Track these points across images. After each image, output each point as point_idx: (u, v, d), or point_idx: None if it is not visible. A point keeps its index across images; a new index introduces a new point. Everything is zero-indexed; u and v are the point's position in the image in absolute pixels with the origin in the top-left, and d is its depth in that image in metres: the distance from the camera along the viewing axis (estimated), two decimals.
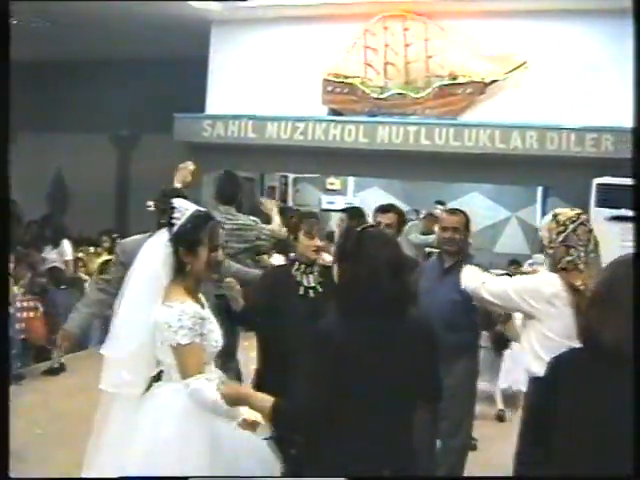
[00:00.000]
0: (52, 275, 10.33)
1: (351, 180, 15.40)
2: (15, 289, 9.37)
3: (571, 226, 4.34)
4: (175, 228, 3.67)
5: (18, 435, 6.33)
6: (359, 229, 3.28)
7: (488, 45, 10.84)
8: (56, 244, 11.15)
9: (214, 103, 12.23)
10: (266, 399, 3.21)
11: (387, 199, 12.59)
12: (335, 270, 3.26)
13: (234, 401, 3.35)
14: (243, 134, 11.81)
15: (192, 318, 3.55)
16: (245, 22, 11.88)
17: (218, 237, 3.81)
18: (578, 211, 4.48)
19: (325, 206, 15.32)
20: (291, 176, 15.76)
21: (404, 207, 13.10)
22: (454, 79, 10.98)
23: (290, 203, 16.07)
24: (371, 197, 14.69)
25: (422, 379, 3.18)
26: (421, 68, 11.17)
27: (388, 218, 6.19)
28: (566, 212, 4.46)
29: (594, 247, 4.36)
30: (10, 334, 8.79)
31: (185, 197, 4.18)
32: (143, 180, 13.14)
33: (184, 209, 3.72)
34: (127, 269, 4.09)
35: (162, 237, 3.70)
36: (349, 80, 11.45)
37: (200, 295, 3.85)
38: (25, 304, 9.87)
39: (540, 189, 14.05)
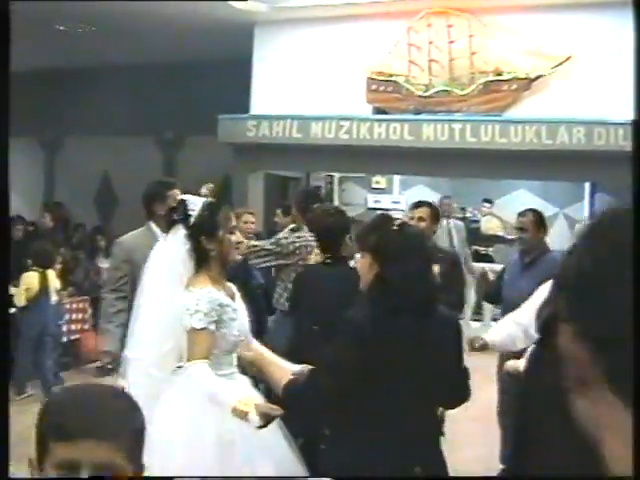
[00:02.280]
0: None
1: (397, 178, 15.33)
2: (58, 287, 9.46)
3: None
4: (193, 219, 3.75)
5: None
6: (396, 227, 3.28)
7: (533, 40, 10.73)
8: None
9: (258, 104, 12.25)
10: (281, 375, 3.28)
11: (434, 197, 12.56)
12: (366, 266, 3.24)
13: (253, 361, 3.41)
14: (288, 134, 11.81)
15: (209, 303, 3.62)
16: (288, 22, 11.89)
17: (232, 219, 3.91)
18: None
19: (371, 205, 15.26)
20: (337, 175, 15.72)
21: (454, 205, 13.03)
22: (499, 75, 10.88)
23: (336, 202, 16.04)
24: (417, 195, 14.63)
25: (450, 378, 3.22)
26: (465, 65, 11.10)
27: (421, 212, 6.27)
28: None
29: None
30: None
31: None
32: (189, 182, 13.22)
33: (193, 201, 3.85)
34: (131, 266, 4.62)
35: (178, 233, 3.78)
36: (393, 78, 11.40)
37: (229, 284, 3.93)
38: (74, 305, 9.99)
39: (588, 185, 13.88)
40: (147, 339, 3.72)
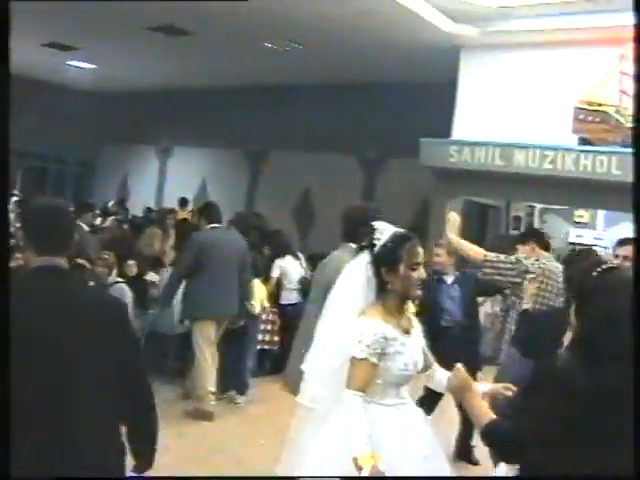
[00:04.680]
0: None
1: (601, 213, 14.79)
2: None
3: None
4: (376, 248, 3.77)
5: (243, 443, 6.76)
6: (596, 273, 3.05)
7: None
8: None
9: (460, 128, 12.15)
10: (485, 411, 3.18)
11: None
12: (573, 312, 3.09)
13: (457, 388, 3.47)
14: (490, 161, 11.63)
15: (373, 335, 3.59)
16: (495, 47, 11.73)
17: (418, 255, 3.81)
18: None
19: (572, 239, 14.81)
20: (538, 206, 15.36)
21: None
22: None
23: None
24: (622, 233, 14.07)
25: None
26: None
27: (627, 250, 5.91)
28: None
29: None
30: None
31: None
32: (388, 202, 13.27)
33: (384, 230, 3.82)
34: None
35: (364, 259, 3.80)
36: (602, 108, 10.97)
37: (409, 316, 3.88)
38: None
39: None
40: (322, 353, 3.83)
